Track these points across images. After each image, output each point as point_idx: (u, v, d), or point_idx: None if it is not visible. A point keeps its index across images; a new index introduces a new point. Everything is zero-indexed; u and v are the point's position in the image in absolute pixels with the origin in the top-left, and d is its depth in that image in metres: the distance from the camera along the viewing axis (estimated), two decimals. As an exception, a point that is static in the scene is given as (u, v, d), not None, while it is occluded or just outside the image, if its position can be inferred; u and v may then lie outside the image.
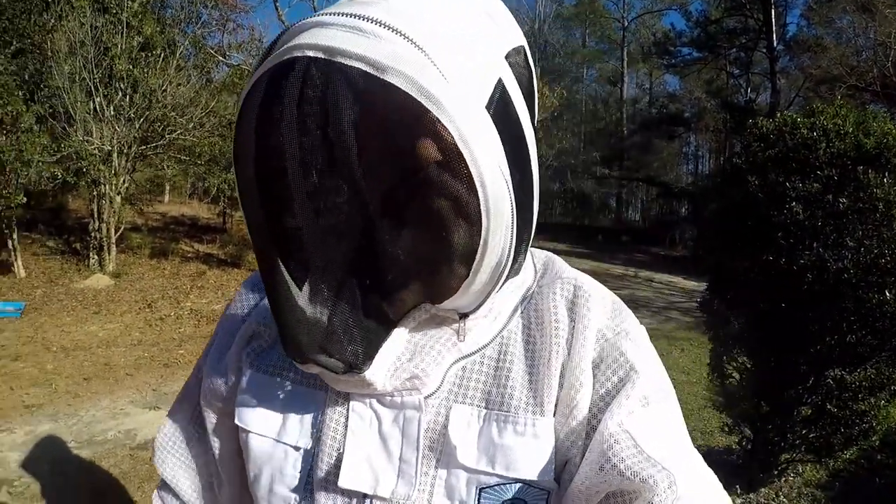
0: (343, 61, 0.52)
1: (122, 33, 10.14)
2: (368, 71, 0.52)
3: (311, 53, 0.53)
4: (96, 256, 11.02)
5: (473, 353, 0.72)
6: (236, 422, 0.79)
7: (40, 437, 4.72)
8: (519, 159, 0.61)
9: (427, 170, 0.55)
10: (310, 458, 0.73)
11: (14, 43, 9.90)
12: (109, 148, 10.38)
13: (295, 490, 0.74)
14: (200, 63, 11.59)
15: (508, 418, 0.68)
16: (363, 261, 0.60)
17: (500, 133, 0.58)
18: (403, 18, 0.55)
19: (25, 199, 9.47)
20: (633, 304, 12.77)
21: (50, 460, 4.29)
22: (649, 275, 17.91)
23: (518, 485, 0.68)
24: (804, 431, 3.82)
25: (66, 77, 9.62)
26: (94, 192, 10.93)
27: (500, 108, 0.58)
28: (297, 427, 0.74)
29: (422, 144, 0.54)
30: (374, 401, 0.70)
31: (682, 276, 16.67)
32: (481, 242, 0.59)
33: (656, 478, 0.60)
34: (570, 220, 32.23)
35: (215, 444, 0.87)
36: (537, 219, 0.72)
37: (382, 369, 0.66)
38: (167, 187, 18.08)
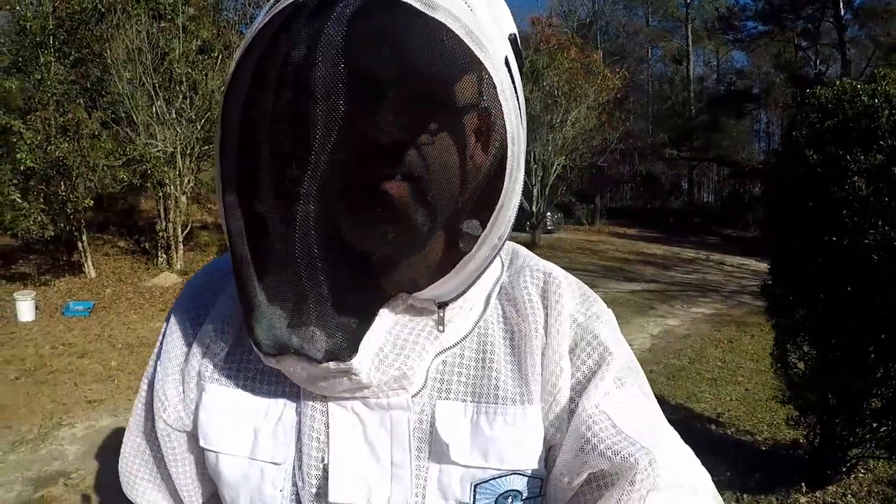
0: None
1: (178, 38, 10.41)
2: (418, 7, 0.53)
3: None
4: (164, 255, 11.42)
5: (453, 346, 0.69)
6: (201, 444, 0.72)
7: (99, 431, 4.89)
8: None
9: (465, 112, 0.56)
10: (291, 474, 0.68)
11: (73, 53, 10.28)
12: (172, 149, 10.70)
13: None
14: None
15: (498, 410, 0.67)
16: (353, 234, 0.58)
17: (510, 100, 0.59)
18: None
19: (94, 202, 9.87)
20: (703, 289, 12.34)
21: (107, 454, 4.41)
22: (721, 258, 17.34)
23: (513, 476, 0.67)
24: (874, 425, 3.56)
25: (126, 83, 9.96)
26: (161, 193, 11.32)
27: (508, 80, 0.59)
28: (272, 441, 0.68)
29: (462, 87, 0.55)
30: (355, 404, 0.65)
31: (755, 258, 16.01)
32: (499, 203, 0.59)
33: (636, 456, 0.60)
34: (641, 204, 31.62)
35: (176, 468, 0.78)
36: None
37: (367, 360, 0.61)
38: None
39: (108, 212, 12.93)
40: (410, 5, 0.52)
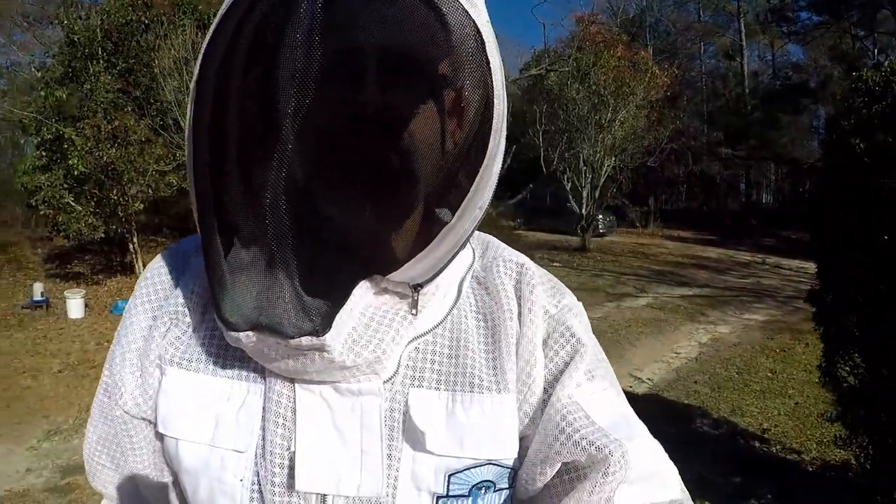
0: None
1: None
2: None
3: None
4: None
5: (426, 333, 0.68)
6: (159, 429, 0.69)
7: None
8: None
9: (453, 83, 0.56)
10: (254, 463, 0.65)
11: (121, 63, 10.67)
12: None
13: (240, 501, 0.65)
14: None
15: (473, 398, 0.66)
16: (330, 208, 0.58)
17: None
18: None
19: (148, 206, 10.23)
20: (758, 294, 11.82)
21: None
22: (778, 261, 16.70)
23: (488, 466, 0.66)
24: (931, 447, 3.22)
25: (172, 91, 10.22)
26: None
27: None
28: (234, 427, 0.65)
29: (455, 59, 0.55)
30: (324, 389, 0.64)
31: (814, 261, 15.21)
32: (477, 178, 0.59)
33: (610, 448, 0.60)
34: (696, 206, 30.66)
35: (135, 456, 0.74)
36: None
37: (340, 338, 0.59)
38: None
39: (163, 215, 13.38)
40: None
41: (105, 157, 9.13)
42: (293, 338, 0.57)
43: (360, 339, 0.61)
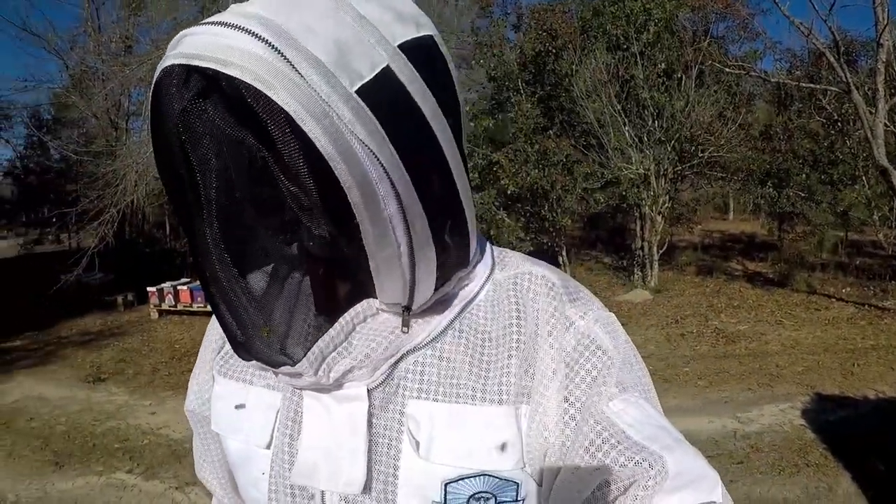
0: (191, 63, 0.54)
1: (638, 64, 10.83)
2: (216, 68, 0.53)
3: (171, 61, 0.56)
4: (640, 272, 11.88)
5: (424, 346, 0.71)
6: (213, 427, 0.82)
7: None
8: (420, 147, 0.61)
9: (272, 154, 0.57)
10: (271, 459, 0.75)
11: (539, 91, 11.68)
12: (645, 171, 11.11)
13: (264, 492, 0.76)
14: (721, 78, 11.29)
15: (470, 410, 0.69)
16: (286, 260, 0.70)
17: (387, 119, 0.56)
18: (256, 18, 0.55)
19: (584, 221, 11.04)
20: None
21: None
22: None
23: (483, 477, 0.68)
24: None
25: (592, 112, 10.77)
26: (637, 214, 11.85)
27: (385, 95, 0.57)
28: (260, 428, 0.76)
29: (270, 133, 0.55)
30: (325, 397, 0.71)
31: None
32: (364, 234, 0.59)
33: (649, 461, 0.61)
34: None
35: (206, 449, 0.92)
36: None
37: (317, 362, 0.67)
38: (731, 205, 17.93)
39: (598, 230, 14.18)
40: (208, 68, 0.53)
41: (528, 178, 10.18)
42: (275, 368, 0.68)
43: (342, 357, 0.68)
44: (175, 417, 6.15)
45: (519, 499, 0.70)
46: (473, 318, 0.73)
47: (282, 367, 0.67)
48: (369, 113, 0.55)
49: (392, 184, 0.57)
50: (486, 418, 0.68)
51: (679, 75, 10.87)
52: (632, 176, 10.97)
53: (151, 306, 10.78)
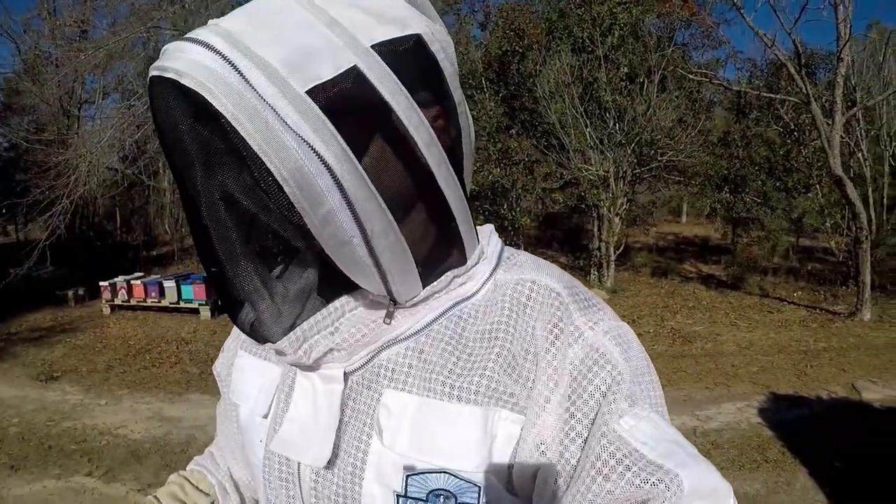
0: (163, 74, 0.59)
1: (602, 67, 10.92)
2: (173, 77, 0.58)
3: (150, 73, 0.62)
4: (596, 272, 12.04)
5: (407, 338, 0.73)
6: (231, 396, 0.90)
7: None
8: (388, 142, 0.64)
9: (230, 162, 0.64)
10: (266, 428, 0.81)
11: (503, 90, 11.71)
12: (605, 173, 11.25)
13: (259, 458, 0.82)
14: (683, 84, 11.50)
15: (438, 406, 0.69)
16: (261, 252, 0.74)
17: (346, 116, 0.59)
18: (222, 34, 0.60)
19: (540, 220, 11.12)
20: None
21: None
22: None
23: (444, 475, 0.68)
24: None
25: (554, 113, 10.86)
26: (595, 215, 12.00)
27: (347, 94, 0.59)
28: (264, 399, 0.82)
29: (221, 139, 0.60)
30: (314, 374, 0.75)
31: None
32: (311, 227, 0.61)
33: (665, 481, 0.61)
34: None
35: (228, 414, 0.97)
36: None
37: (298, 342, 0.71)
38: (684, 208, 18.27)
39: (555, 230, 14.33)
40: (169, 79, 0.58)
41: (490, 177, 10.23)
42: (260, 342, 0.73)
43: (324, 340, 0.71)
44: (133, 417, 6.01)
45: (480, 503, 0.69)
46: (462, 316, 0.74)
47: (266, 343, 0.72)
48: (318, 111, 0.57)
49: (334, 178, 0.59)
50: (453, 416, 0.68)
51: (642, 80, 11.03)
52: (591, 177, 11.10)
53: (104, 301, 10.42)
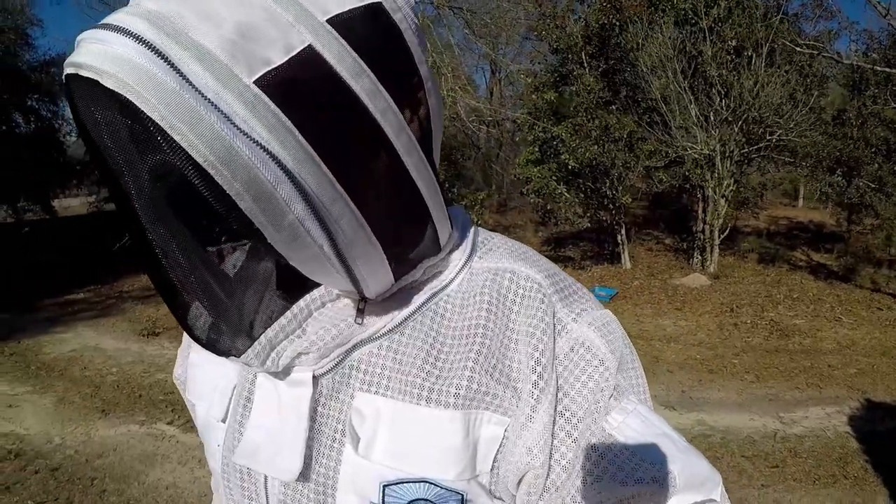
0: (78, 72, 0.49)
1: (707, 40, 10.32)
2: (96, 78, 0.48)
3: (65, 70, 0.51)
4: (699, 256, 11.53)
5: (380, 337, 0.68)
6: (187, 395, 0.83)
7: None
8: (352, 132, 0.55)
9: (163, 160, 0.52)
10: (225, 434, 0.75)
11: (602, 65, 11.28)
12: (710, 152, 10.68)
13: (218, 463, 0.76)
14: (793, 58, 10.63)
15: (415, 410, 0.65)
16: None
17: (303, 106, 0.51)
18: (145, 15, 0.50)
19: (633, 199, 10.73)
20: None
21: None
22: None
23: (424, 484, 0.64)
24: None
25: (657, 89, 10.39)
26: (699, 195, 11.44)
27: (303, 79, 0.51)
28: (220, 400, 0.75)
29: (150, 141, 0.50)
30: (277, 376, 0.69)
31: None
32: (272, 241, 0.54)
33: (658, 478, 0.61)
34: None
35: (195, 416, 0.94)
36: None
37: (264, 352, 0.65)
38: (801, 191, 17.13)
39: (663, 210, 13.83)
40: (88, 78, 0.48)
41: (587, 154, 9.91)
42: (225, 356, 0.65)
43: (291, 343, 0.66)
44: (221, 375, 6.41)
45: None
46: (439, 311, 0.69)
47: (230, 357, 0.65)
48: (270, 104, 0.49)
49: (296, 184, 0.50)
50: (432, 421, 0.64)
51: (749, 53, 10.31)
52: (696, 156, 10.57)
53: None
